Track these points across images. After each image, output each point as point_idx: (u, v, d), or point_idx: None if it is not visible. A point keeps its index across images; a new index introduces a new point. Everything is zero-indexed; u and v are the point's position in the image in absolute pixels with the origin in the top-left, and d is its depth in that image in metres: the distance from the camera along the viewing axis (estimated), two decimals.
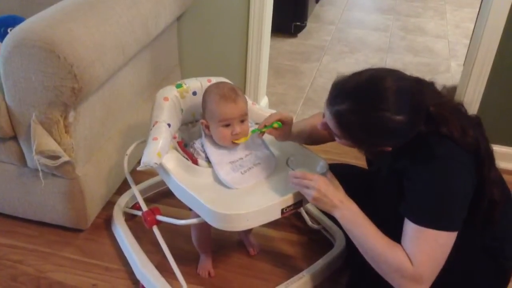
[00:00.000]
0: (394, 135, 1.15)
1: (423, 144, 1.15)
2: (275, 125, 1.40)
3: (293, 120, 1.44)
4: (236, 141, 1.38)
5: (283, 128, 1.41)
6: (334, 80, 1.20)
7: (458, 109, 1.24)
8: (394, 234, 1.18)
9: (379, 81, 1.12)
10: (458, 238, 1.14)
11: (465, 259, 1.21)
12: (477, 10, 2.19)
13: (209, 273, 1.55)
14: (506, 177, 1.28)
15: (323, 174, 1.31)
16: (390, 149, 1.20)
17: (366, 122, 1.13)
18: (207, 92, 1.43)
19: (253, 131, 1.41)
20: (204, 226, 1.40)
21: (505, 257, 1.28)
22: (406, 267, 1.13)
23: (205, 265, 1.56)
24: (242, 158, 1.40)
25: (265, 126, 1.39)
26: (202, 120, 1.42)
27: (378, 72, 1.15)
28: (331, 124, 1.19)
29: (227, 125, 1.37)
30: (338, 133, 1.20)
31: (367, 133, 1.15)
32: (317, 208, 1.57)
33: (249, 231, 1.63)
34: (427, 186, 1.14)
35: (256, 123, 1.53)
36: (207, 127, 1.40)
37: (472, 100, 1.99)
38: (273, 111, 1.63)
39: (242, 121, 1.39)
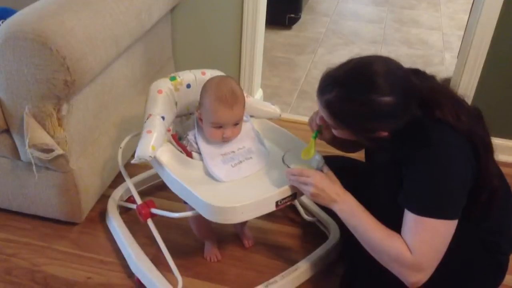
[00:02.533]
0: (385, 117, 1.15)
1: (420, 130, 1.16)
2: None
3: None
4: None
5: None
6: (323, 72, 1.22)
7: (453, 96, 1.24)
8: (393, 224, 1.18)
9: (365, 65, 1.14)
10: (456, 231, 1.14)
11: (463, 252, 1.21)
12: (471, 1, 2.19)
13: (216, 257, 1.56)
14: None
15: (319, 169, 1.31)
16: (386, 133, 1.19)
17: (355, 107, 1.14)
18: (206, 87, 1.39)
19: (314, 137, 1.36)
20: (201, 217, 1.40)
21: (501, 252, 1.29)
22: (405, 256, 1.14)
23: (211, 250, 1.56)
24: (234, 152, 1.40)
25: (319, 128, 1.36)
26: (197, 112, 1.41)
27: (365, 58, 1.17)
28: (324, 114, 1.20)
29: (219, 127, 1.36)
30: (332, 123, 1.20)
31: (358, 117, 1.16)
32: (316, 203, 1.57)
33: (244, 224, 1.63)
34: (426, 174, 1.14)
35: (251, 116, 1.53)
36: (201, 120, 1.40)
37: (466, 92, 1.99)
38: (267, 103, 1.63)
39: (235, 125, 1.38)
